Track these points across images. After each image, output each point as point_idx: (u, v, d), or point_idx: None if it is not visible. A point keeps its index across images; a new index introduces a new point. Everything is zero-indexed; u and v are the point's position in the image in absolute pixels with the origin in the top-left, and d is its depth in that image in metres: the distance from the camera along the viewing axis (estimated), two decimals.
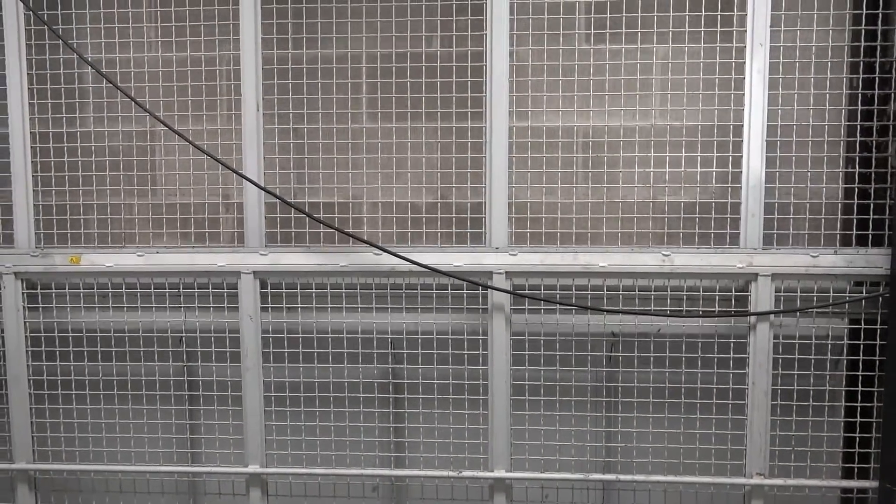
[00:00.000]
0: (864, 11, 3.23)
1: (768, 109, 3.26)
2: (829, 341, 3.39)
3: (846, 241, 3.35)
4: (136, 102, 3.28)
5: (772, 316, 3.33)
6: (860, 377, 3.37)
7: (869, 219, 3.30)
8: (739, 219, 3.33)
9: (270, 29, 3.44)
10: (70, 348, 3.63)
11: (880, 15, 3.22)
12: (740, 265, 3.32)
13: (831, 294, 3.35)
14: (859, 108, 3.30)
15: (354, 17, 3.43)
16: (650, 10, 3.31)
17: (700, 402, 3.45)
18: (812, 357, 3.36)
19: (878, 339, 3.33)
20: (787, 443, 3.43)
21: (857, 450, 3.42)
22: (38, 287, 3.63)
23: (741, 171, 3.31)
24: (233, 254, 3.50)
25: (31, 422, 3.67)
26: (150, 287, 3.60)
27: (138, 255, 3.52)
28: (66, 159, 3.57)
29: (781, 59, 3.27)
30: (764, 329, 3.34)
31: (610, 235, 3.43)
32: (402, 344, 3.54)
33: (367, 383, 3.59)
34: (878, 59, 3.24)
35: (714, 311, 3.41)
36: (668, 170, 3.39)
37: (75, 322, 3.64)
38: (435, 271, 3.36)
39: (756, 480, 3.41)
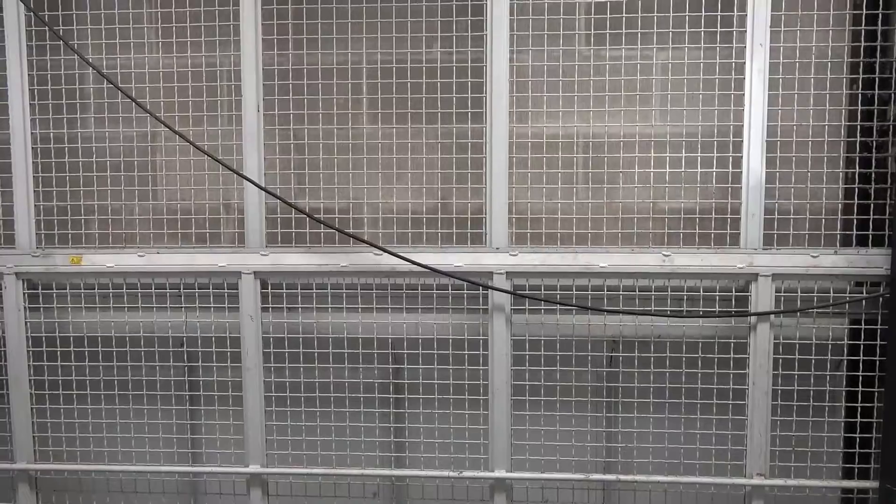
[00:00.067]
0: (864, 12, 3.23)
1: (768, 110, 3.26)
2: (830, 342, 3.38)
3: (846, 242, 3.35)
4: (136, 103, 3.29)
5: (772, 316, 3.33)
6: (860, 377, 3.37)
7: (869, 219, 3.31)
8: (740, 219, 3.33)
9: (271, 35, 3.44)
10: (71, 348, 3.63)
11: (880, 15, 3.22)
12: (740, 265, 3.32)
13: (832, 294, 3.35)
14: (859, 108, 3.30)
15: (355, 23, 3.43)
16: (650, 14, 3.30)
17: (700, 402, 3.45)
18: (812, 357, 3.36)
19: (878, 339, 3.32)
20: (787, 443, 3.43)
21: (857, 450, 3.42)
22: (39, 287, 3.64)
23: (741, 172, 3.30)
24: (233, 254, 3.50)
25: (32, 422, 3.67)
26: (151, 287, 3.61)
27: (139, 256, 3.53)
28: (66, 158, 3.57)
29: (781, 60, 3.27)
30: (764, 329, 3.34)
31: (610, 236, 3.43)
32: (403, 344, 3.55)
33: (368, 383, 3.59)
34: (878, 60, 3.24)
35: (714, 312, 3.41)
36: (668, 170, 3.38)
37: (76, 322, 3.65)
38: (435, 271, 3.36)
39: (756, 481, 3.41)
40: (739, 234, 3.33)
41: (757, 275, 3.31)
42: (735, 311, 3.42)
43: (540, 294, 3.44)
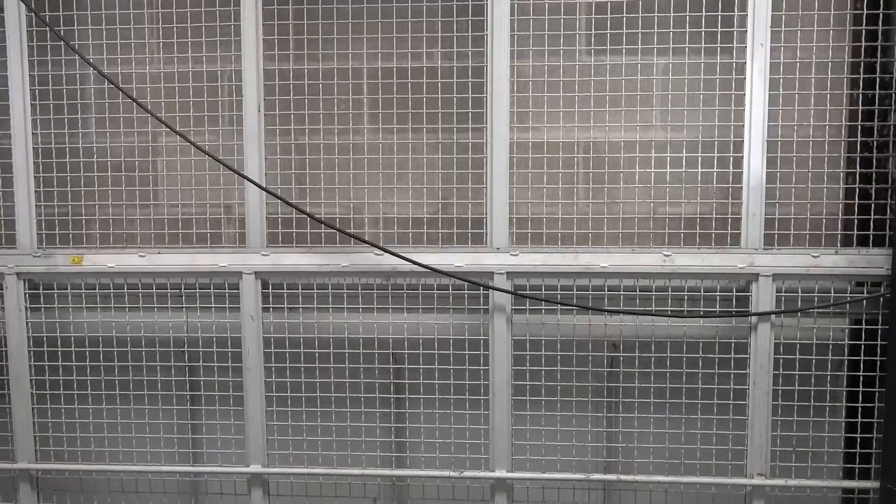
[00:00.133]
0: (865, 12, 3.23)
1: (769, 110, 3.26)
2: (831, 342, 3.38)
3: (847, 242, 3.35)
4: (137, 103, 3.29)
5: (773, 316, 3.33)
6: (861, 377, 3.37)
7: (870, 219, 3.30)
8: (740, 219, 3.32)
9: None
10: (72, 349, 3.63)
11: (881, 16, 3.22)
12: (741, 265, 3.32)
13: (832, 294, 3.35)
14: (860, 108, 3.30)
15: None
16: (650, 14, 3.30)
17: (701, 402, 3.45)
18: (813, 357, 3.36)
19: (879, 339, 3.32)
20: (788, 443, 3.43)
21: (858, 450, 3.42)
22: (41, 287, 3.64)
23: (742, 172, 3.30)
24: (234, 254, 3.50)
25: (33, 421, 3.68)
26: (152, 287, 3.61)
27: (140, 256, 3.53)
28: (67, 160, 3.58)
29: (782, 60, 3.27)
30: (765, 329, 3.34)
31: (611, 236, 3.43)
32: (404, 344, 3.55)
33: (368, 383, 3.59)
34: (878, 60, 3.24)
35: (715, 312, 3.41)
36: (668, 170, 3.38)
37: (77, 322, 3.65)
38: (436, 271, 3.36)
39: (757, 481, 3.41)
40: (740, 234, 3.33)
41: (758, 275, 3.31)
42: (736, 312, 3.42)
43: (541, 294, 3.44)
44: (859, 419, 3.40)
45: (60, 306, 3.66)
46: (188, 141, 3.28)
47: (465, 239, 3.49)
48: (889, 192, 3.29)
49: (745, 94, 3.27)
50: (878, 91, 3.26)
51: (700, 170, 3.37)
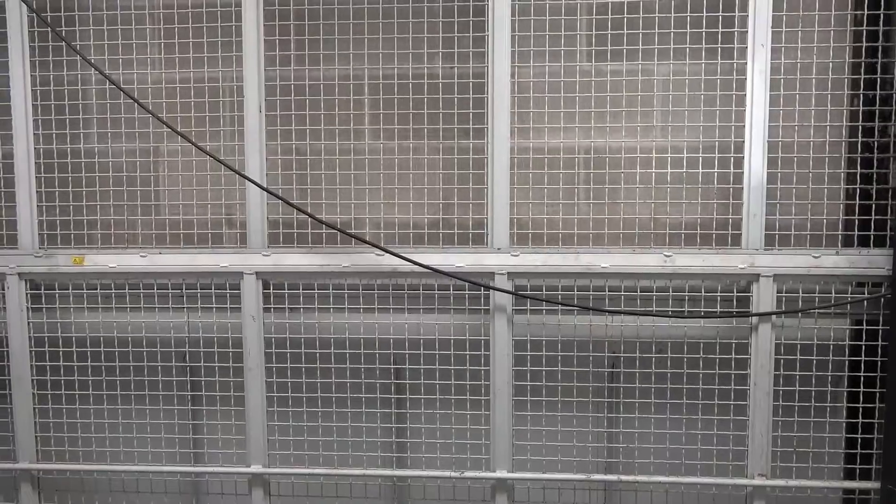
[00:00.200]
0: (866, 12, 3.23)
1: (770, 111, 3.26)
2: (831, 342, 3.38)
3: (848, 242, 3.35)
4: (138, 104, 3.29)
5: (773, 317, 3.33)
6: (862, 378, 3.36)
7: (871, 219, 3.30)
8: (741, 219, 3.33)
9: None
10: (73, 349, 3.64)
11: (882, 16, 3.22)
12: (742, 266, 3.32)
13: (833, 295, 3.35)
14: (861, 108, 3.30)
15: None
16: (651, 15, 3.30)
17: (702, 402, 3.45)
18: (814, 358, 3.36)
19: (879, 339, 3.32)
20: (788, 443, 3.43)
21: (859, 451, 3.42)
22: (42, 288, 3.65)
23: (743, 173, 3.30)
24: (235, 254, 3.51)
25: (35, 422, 3.68)
26: (153, 288, 3.61)
27: (141, 256, 3.53)
28: (69, 159, 3.58)
29: (783, 61, 3.27)
30: (766, 330, 3.34)
31: (612, 237, 3.43)
32: (404, 345, 3.55)
33: (369, 384, 3.60)
34: (879, 61, 3.24)
35: (716, 312, 3.41)
36: (669, 170, 3.38)
37: (78, 323, 3.65)
38: (437, 272, 3.36)
39: (758, 481, 3.41)
40: (741, 234, 3.33)
41: (758, 275, 3.32)
42: (736, 312, 3.42)
43: (541, 294, 3.44)
44: (860, 420, 3.40)
45: (62, 306, 3.66)
46: (189, 141, 3.29)
47: (465, 239, 3.49)
48: (890, 193, 3.29)
49: (745, 95, 3.27)
50: (878, 92, 3.26)
51: (701, 170, 3.37)
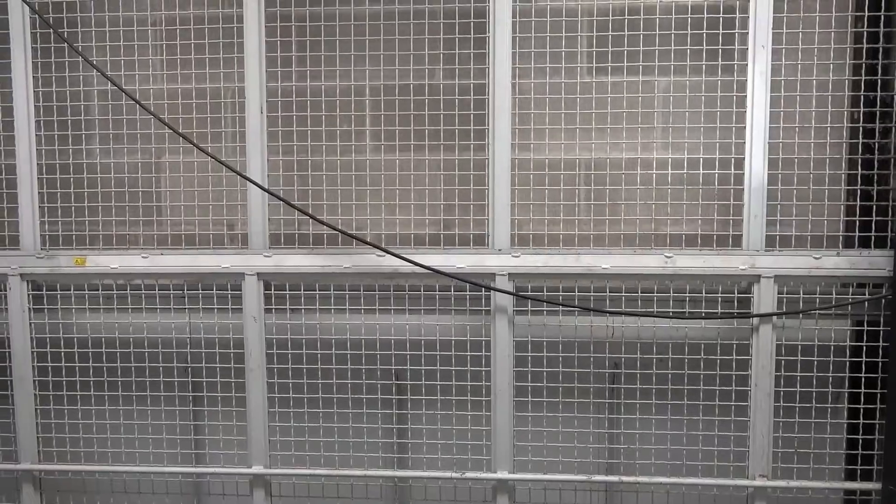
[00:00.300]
0: (867, 13, 3.23)
1: (770, 111, 3.27)
2: (832, 343, 3.38)
3: (849, 243, 3.35)
4: (140, 105, 3.30)
5: (774, 318, 3.34)
6: (863, 379, 3.36)
7: (872, 220, 3.31)
8: (742, 220, 3.33)
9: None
10: (75, 349, 3.64)
11: (882, 17, 3.22)
12: (743, 267, 3.32)
13: (834, 296, 3.36)
14: (862, 109, 3.31)
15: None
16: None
17: (703, 403, 3.45)
18: (815, 359, 3.36)
19: (880, 340, 3.32)
20: (789, 444, 3.43)
21: (860, 451, 3.42)
22: (44, 288, 3.65)
23: (743, 174, 3.31)
24: (236, 255, 3.51)
25: (37, 422, 3.69)
26: (155, 289, 3.62)
27: (143, 257, 3.54)
28: (71, 160, 3.59)
29: (784, 62, 3.27)
30: (767, 331, 3.34)
31: (612, 237, 3.44)
32: (405, 345, 3.55)
33: (370, 385, 3.60)
34: (880, 62, 3.24)
35: (717, 313, 3.41)
36: (670, 172, 3.39)
37: (80, 323, 3.66)
38: (438, 272, 3.37)
39: (759, 482, 3.41)
40: (742, 235, 3.33)
41: (759, 276, 3.32)
42: (737, 313, 3.42)
43: (542, 295, 3.44)
44: (861, 420, 3.40)
45: (63, 307, 3.67)
46: (190, 142, 3.29)
47: (466, 240, 3.49)
48: (891, 194, 3.29)
49: (746, 97, 3.27)
50: (879, 93, 3.26)
51: (702, 171, 3.37)
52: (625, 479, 3.50)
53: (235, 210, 3.56)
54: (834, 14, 3.27)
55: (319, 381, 3.57)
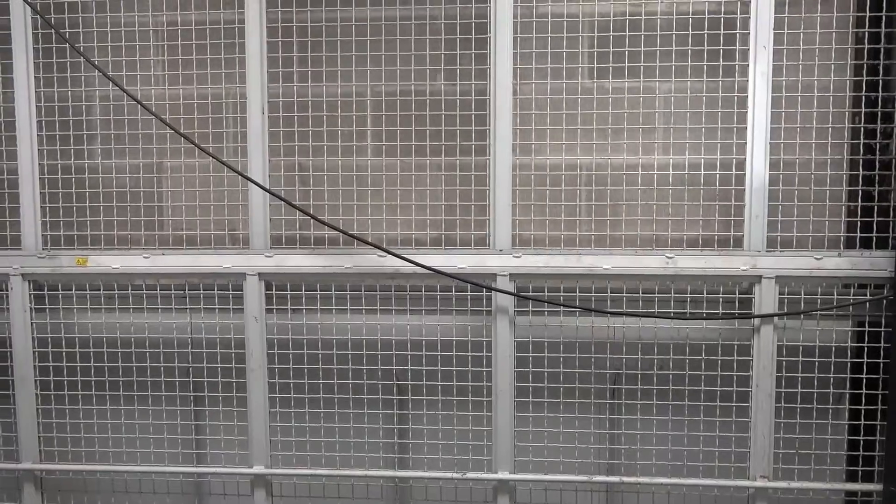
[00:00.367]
0: (868, 14, 3.23)
1: (772, 112, 3.26)
2: (833, 344, 3.38)
3: (850, 244, 3.35)
4: (142, 106, 3.30)
5: (776, 318, 3.33)
6: (864, 380, 3.36)
7: (873, 221, 3.30)
8: (743, 221, 3.33)
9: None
10: (76, 349, 3.65)
11: (884, 18, 3.22)
12: (744, 267, 3.32)
13: (835, 297, 3.35)
14: (863, 110, 3.30)
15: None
16: (653, 16, 3.32)
17: (704, 404, 3.45)
18: (816, 360, 3.36)
19: (882, 341, 3.32)
20: (790, 445, 3.43)
21: (861, 453, 3.41)
22: (45, 288, 3.66)
23: (745, 174, 3.30)
24: (238, 255, 3.51)
25: (38, 422, 3.69)
26: (156, 289, 3.62)
27: (144, 258, 3.54)
28: (73, 161, 3.60)
29: (785, 62, 3.27)
30: (768, 332, 3.34)
31: (614, 238, 3.44)
32: (406, 346, 3.55)
33: (371, 385, 3.60)
34: (881, 62, 3.24)
35: (718, 314, 3.41)
36: (671, 173, 3.39)
37: (81, 323, 3.66)
38: (439, 273, 3.37)
39: (760, 483, 3.41)
40: (743, 236, 3.33)
41: (760, 277, 3.31)
42: (739, 314, 3.42)
43: (543, 296, 3.44)
44: (862, 421, 3.39)
45: (65, 307, 3.67)
46: (191, 142, 3.29)
47: (468, 242, 3.49)
48: (892, 195, 3.29)
49: (747, 98, 3.27)
50: (881, 94, 3.26)
51: (703, 172, 3.37)
52: (626, 479, 3.50)
53: (237, 214, 3.57)
54: (835, 14, 3.27)
55: (320, 382, 3.58)
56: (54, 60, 3.53)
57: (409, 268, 3.38)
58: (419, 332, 3.54)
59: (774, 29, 3.23)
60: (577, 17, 3.38)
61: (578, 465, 3.54)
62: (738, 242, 3.35)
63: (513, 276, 3.42)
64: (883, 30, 3.23)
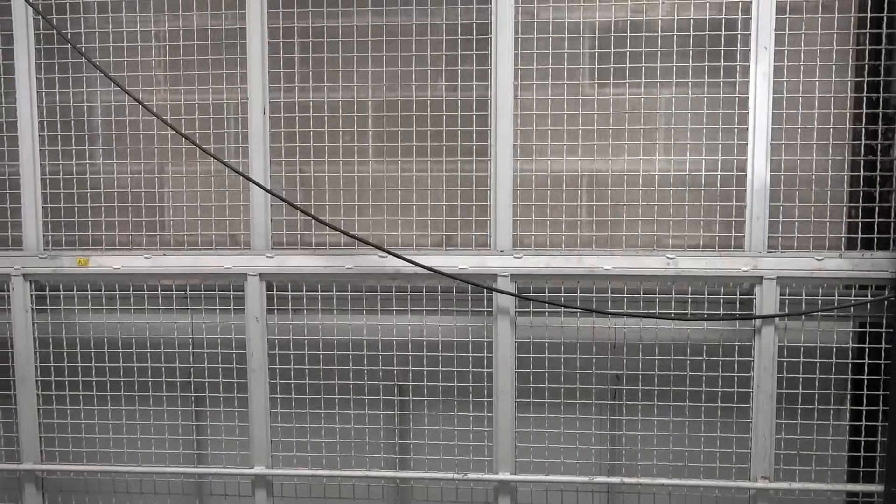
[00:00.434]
0: (869, 15, 3.23)
1: (773, 112, 3.26)
2: (835, 345, 3.38)
3: (851, 245, 3.35)
4: (143, 106, 3.31)
5: (777, 319, 3.33)
6: (865, 381, 3.36)
7: (874, 222, 3.30)
8: (744, 222, 3.33)
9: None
10: (77, 350, 3.65)
11: (885, 18, 3.22)
12: (745, 268, 3.32)
13: (836, 298, 3.35)
14: (864, 111, 3.30)
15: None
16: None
17: (705, 405, 3.44)
18: (817, 361, 3.36)
19: (883, 342, 3.32)
20: (792, 446, 3.42)
21: (862, 453, 3.41)
22: (47, 289, 3.66)
23: (746, 175, 3.30)
24: (239, 256, 3.52)
25: (39, 422, 3.69)
26: (157, 289, 3.63)
27: (145, 258, 3.55)
28: (74, 164, 3.60)
29: (786, 63, 3.27)
30: (769, 332, 3.34)
31: (615, 239, 3.44)
32: (407, 346, 3.56)
33: (372, 385, 3.60)
34: (882, 63, 3.24)
35: (719, 315, 3.41)
36: (672, 173, 3.39)
37: (83, 324, 3.67)
38: (440, 273, 3.37)
39: (761, 484, 3.41)
40: (744, 237, 3.33)
41: (762, 278, 3.31)
42: (740, 315, 3.42)
43: (544, 296, 3.44)
44: (863, 422, 3.39)
45: (66, 308, 3.67)
46: (192, 142, 3.30)
47: (469, 241, 3.50)
48: (893, 195, 3.29)
49: (749, 98, 3.27)
50: (881, 94, 3.26)
51: (704, 172, 3.37)
52: (626, 480, 3.50)
53: (238, 217, 3.57)
54: (836, 15, 3.27)
55: (321, 382, 3.58)
56: (56, 60, 3.53)
57: (410, 268, 3.38)
58: (420, 333, 3.54)
59: (776, 30, 3.23)
60: (578, 23, 3.38)
61: (579, 466, 3.54)
62: (740, 243, 3.35)
63: (514, 277, 3.42)
64: (884, 30, 3.23)
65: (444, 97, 3.45)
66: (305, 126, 3.50)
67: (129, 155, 3.59)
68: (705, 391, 3.43)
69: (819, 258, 3.29)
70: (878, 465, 3.40)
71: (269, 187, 3.43)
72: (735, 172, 3.34)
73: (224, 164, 3.33)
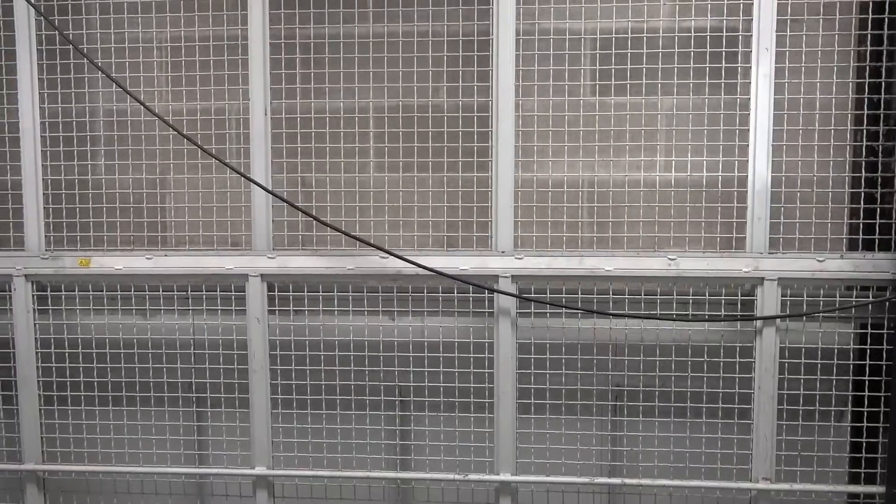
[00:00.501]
0: (871, 16, 3.23)
1: (774, 114, 3.26)
2: (836, 346, 3.38)
3: (853, 246, 3.35)
4: (144, 107, 3.31)
5: (778, 320, 3.33)
6: (867, 382, 3.36)
7: (875, 223, 3.30)
8: (745, 223, 3.32)
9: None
10: (79, 350, 3.65)
11: (886, 20, 3.22)
12: (746, 269, 3.32)
13: (837, 299, 3.35)
14: (866, 112, 3.30)
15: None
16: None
17: (706, 406, 3.44)
18: (818, 362, 3.36)
19: (884, 343, 3.32)
20: (793, 447, 3.42)
21: (863, 455, 3.41)
22: (48, 289, 3.66)
23: (747, 176, 3.30)
24: (240, 256, 3.52)
25: (40, 423, 3.69)
26: (159, 290, 3.63)
27: (147, 259, 3.55)
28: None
29: (787, 64, 3.27)
30: (770, 333, 3.34)
31: (616, 241, 3.44)
32: (408, 347, 3.56)
33: (374, 386, 3.60)
34: (884, 64, 3.24)
35: (720, 316, 3.41)
36: (673, 174, 3.39)
37: (84, 324, 3.67)
38: (441, 274, 3.37)
39: (762, 485, 3.41)
40: (745, 238, 3.33)
41: (763, 279, 3.31)
42: (741, 316, 3.42)
43: (545, 297, 3.44)
44: (865, 423, 3.39)
45: (68, 308, 3.68)
46: (195, 143, 3.30)
47: (470, 242, 3.50)
48: (895, 196, 3.29)
49: (750, 99, 3.27)
50: (883, 96, 3.26)
51: (705, 174, 3.37)
52: (627, 481, 3.50)
53: (239, 218, 3.57)
54: (838, 17, 3.27)
55: (322, 383, 3.58)
56: (58, 61, 3.54)
57: (411, 269, 3.38)
58: (421, 334, 3.54)
59: (777, 31, 3.23)
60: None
61: (580, 467, 3.54)
62: (741, 244, 3.35)
63: (515, 278, 3.42)
64: (885, 32, 3.23)
65: (446, 101, 3.45)
66: (307, 131, 3.50)
67: (131, 156, 3.60)
68: (706, 392, 3.43)
69: (820, 259, 3.29)
70: (879, 467, 3.40)
71: (270, 188, 3.43)
72: (736, 174, 3.34)
73: (225, 164, 3.33)
